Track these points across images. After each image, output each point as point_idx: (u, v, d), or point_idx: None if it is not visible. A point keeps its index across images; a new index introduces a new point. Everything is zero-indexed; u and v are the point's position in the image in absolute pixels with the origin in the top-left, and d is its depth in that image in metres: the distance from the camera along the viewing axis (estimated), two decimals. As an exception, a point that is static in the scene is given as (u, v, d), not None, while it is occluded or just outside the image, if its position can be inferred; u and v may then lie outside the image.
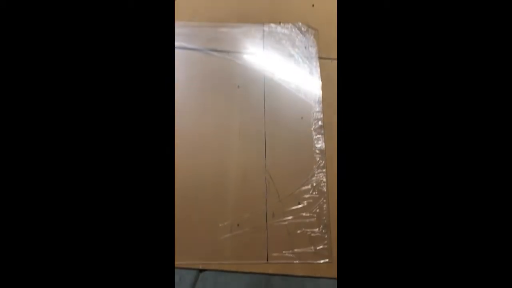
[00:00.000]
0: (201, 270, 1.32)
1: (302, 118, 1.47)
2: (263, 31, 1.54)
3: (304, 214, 1.36)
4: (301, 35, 1.54)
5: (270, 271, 1.31)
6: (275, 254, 1.33)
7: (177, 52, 1.47)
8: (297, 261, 1.32)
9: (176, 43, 1.48)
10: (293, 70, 1.51)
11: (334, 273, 1.31)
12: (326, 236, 1.34)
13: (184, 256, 1.29)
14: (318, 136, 1.45)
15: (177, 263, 1.29)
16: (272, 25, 1.55)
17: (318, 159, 1.42)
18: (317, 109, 1.48)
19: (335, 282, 1.31)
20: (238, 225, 1.34)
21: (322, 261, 1.32)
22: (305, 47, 1.53)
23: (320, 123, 1.46)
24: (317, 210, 1.37)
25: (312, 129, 1.46)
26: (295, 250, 1.33)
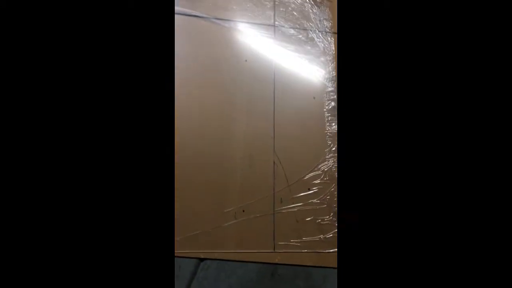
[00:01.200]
0: (201, 259, 1.22)
1: (314, 98, 1.36)
2: (274, 0, 1.40)
3: (314, 201, 1.27)
4: (315, 6, 1.41)
5: (276, 261, 1.22)
6: (282, 243, 1.24)
7: (178, 19, 1.31)
8: (306, 250, 1.24)
9: (177, 8, 1.32)
10: (305, 45, 1.38)
11: (344, 263, 1.24)
12: (336, 224, 1.26)
13: (184, 244, 1.18)
14: (331, 117, 1.35)
15: (176, 251, 1.18)
16: (285, -7, 1.41)
17: (330, 142, 1.33)
18: (331, 89, 1.37)
19: (345, 272, 1.24)
20: (243, 211, 1.24)
21: (332, 250, 1.24)
22: (320, 20, 1.40)
23: (333, 103, 1.36)
24: (328, 197, 1.28)
25: (324, 110, 1.35)
26: (303, 238, 1.25)
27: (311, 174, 1.30)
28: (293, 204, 1.27)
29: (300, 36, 1.39)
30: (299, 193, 1.28)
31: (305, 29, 1.40)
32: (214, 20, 1.34)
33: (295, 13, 1.40)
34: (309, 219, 1.26)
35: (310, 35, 1.39)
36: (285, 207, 1.26)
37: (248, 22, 1.37)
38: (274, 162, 1.29)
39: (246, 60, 1.34)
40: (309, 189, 1.28)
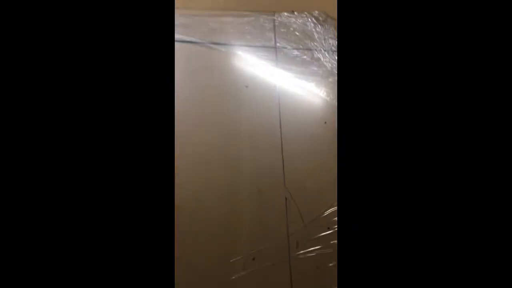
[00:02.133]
0: (207, 320, 1.01)
1: (325, 122, 1.21)
2: (274, 20, 1.30)
3: (335, 242, 1.09)
4: (319, 25, 1.30)
5: (296, 318, 1.02)
6: (302, 295, 1.04)
7: (171, 46, 1.20)
8: (331, 303, 1.04)
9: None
10: (311, 66, 1.26)
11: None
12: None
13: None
14: (347, 144, 1.19)
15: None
16: (285, 14, 1.31)
17: (348, 172, 1.16)
18: (343, 112, 1.23)
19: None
20: (253, 259, 1.06)
21: (362, 302, 1.04)
22: (324, 39, 1.29)
23: (348, 128, 1.21)
24: (351, 236, 1.10)
25: (338, 135, 1.20)
26: (327, 288, 1.05)
27: (330, 210, 1.12)
28: (311, 247, 1.08)
29: (305, 56, 1.27)
30: (317, 234, 1.10)
31: (309, 49, 1.28)
32: (210, 45, 1.23)
33: (297, 33, 1.30)
34: (331, 264, 1.07)
35: (315, 55, 1.27)
36: (303, 252, 1.08)
37: (247, 45, 1.26)
38: (286, 198, 1.12)
39: (247, 86, 1.22)
40: (328, 228, 1.10)
